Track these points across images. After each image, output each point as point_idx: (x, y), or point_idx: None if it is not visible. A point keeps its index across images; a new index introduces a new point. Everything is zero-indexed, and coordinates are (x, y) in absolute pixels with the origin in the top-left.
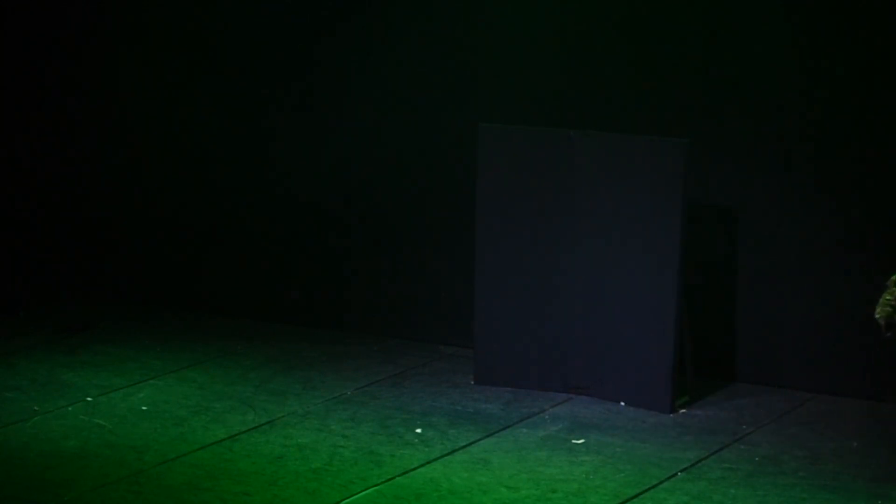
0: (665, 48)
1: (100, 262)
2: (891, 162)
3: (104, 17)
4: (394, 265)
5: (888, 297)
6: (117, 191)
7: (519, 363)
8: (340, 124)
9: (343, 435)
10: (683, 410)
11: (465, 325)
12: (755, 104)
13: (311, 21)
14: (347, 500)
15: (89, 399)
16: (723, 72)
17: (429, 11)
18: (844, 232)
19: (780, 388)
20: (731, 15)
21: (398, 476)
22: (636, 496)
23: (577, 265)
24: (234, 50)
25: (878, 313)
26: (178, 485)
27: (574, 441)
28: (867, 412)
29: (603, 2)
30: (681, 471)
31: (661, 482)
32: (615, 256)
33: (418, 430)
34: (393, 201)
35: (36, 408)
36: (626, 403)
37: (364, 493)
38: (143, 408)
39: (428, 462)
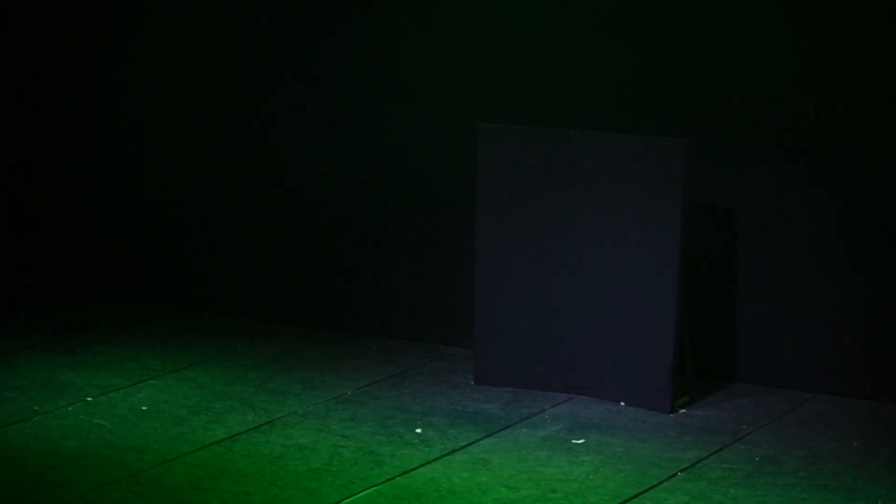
0: (665, 48)
1: (100, 262)
2: (891, 162)
3: (104, 17)
4: (394, 265)
5: None
6: (117, 191)
7: (519, 363)
8: (340, 124)
9: (343, 435)
10: (683, 410)
11: (466, 325)
12: (755, 104)
13: (311, 21)
14: (347, 500)
15: (89, 399)
16: (723, 72)
17: (429, 11)
18: (844, 232)
19: (780, 388)
20: (731, 15)
21: (398, 476)
22: (636, 496)
23: (577, 265)
24: (233, 50)
25: None
26: (178, 485)
27: (574, 441)
28: (867, 412)
29: (603, 2)
30: (681, 471)
31: (661, 482)
32: (615, 256)
33: (418, 430)
34: (393, 201)
35: (36, 408)
36: (626, 403)
37: (364, 493)
38: (143, 408)
39: (428, 462)
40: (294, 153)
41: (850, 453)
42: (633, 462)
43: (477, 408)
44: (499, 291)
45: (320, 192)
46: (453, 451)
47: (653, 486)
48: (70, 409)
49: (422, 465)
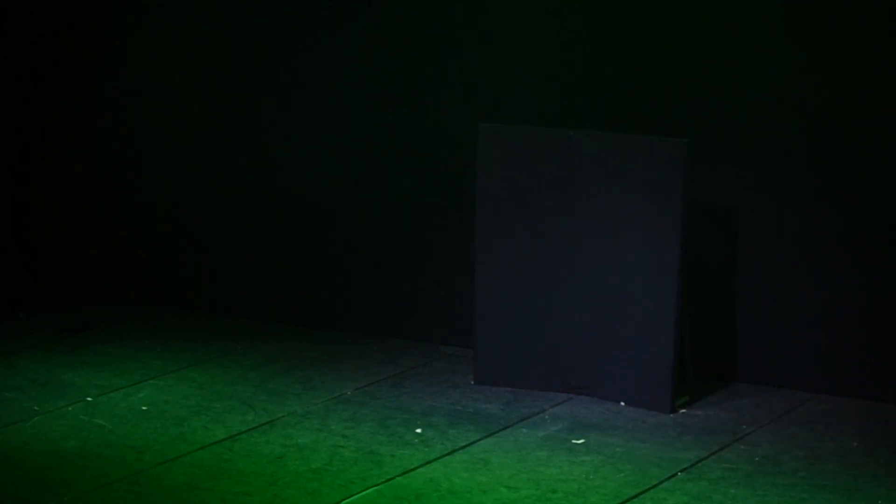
0: (665, 48)
1: (100, 262)
2: (891, 161)
3: (104, 17)
4: (394, 265)
5: None
6: (117, 191)
7: (519, 363)
8: (340, 124)
9: (343, 435)
10: (683, 410)
11: (466, 325)
12: (755, 104)
13: (312, 21)
14: (347, 500)
15: (89, 399)
16: (723, 72)
17: (429, 11)
18: (844, 231)
19: (780, 388)
20: (731, 15)
21: (398, 476)
22: (636, 496)
23: (577, 265)
24: (232, 50)
25: None
26: (178, 485)
27: (574, 441)
28: (867, 412)
29: (603, 2)
30: (681, 471)
31: (661, 482)
32: (615, 256)
33: (418, 430)
34: (393, 201)
35: (36, 408)
36: (626, 403)
37: (364, 493)
38: (143, 408)
39: (428, 462)
40: (294, 153)
41: (850, 453)
42: (633, 462)
43: (477, 408)
44: (499, 291)
45: (320, 192)
46: (453, 451)
47: (653, 486)
48: (70, 409)
49: (422, 465)
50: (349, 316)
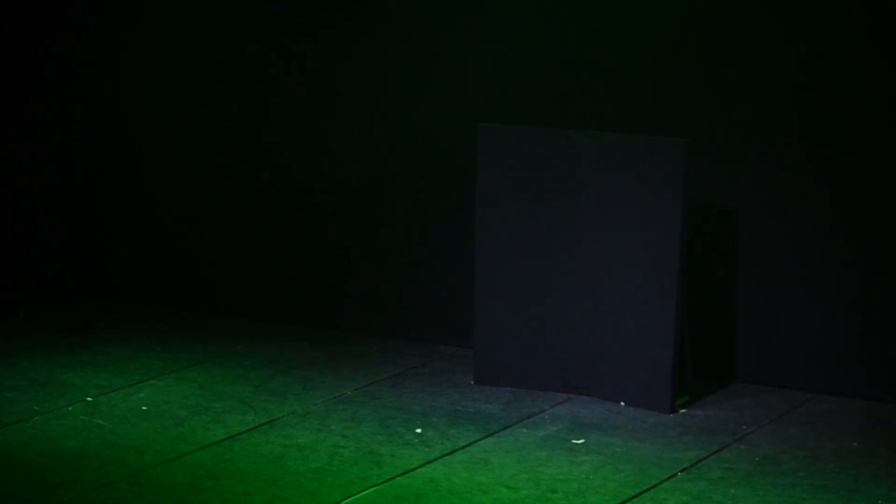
0: (665, 48)
1: (100, 262)
2: (891, 161)
3: (104, 18)
4: (393, 265)
5: None
6: (117, 191)
7: (519, 363)
8: (340, 124)
9: (343, 435)
10: (683, 410)
11: (466, 325)
12: (755, 104)
13: (311, 20)
14: (347, 500)
15: (89, 399)
16: (723, 72)
17: (429, 11)
18: (844, 232)
19: (780, 388)
20: (730, 15)
21: (398, 476)
22: (636, 496)
23: (577, 265)
24: (233, 49)
25: None
26: (178, 485)
27: (574, 441)
28: (867, 412)
29: (603, 2)
30: (681, 471)
31: (661, 482)
32: (615, 256)
33: (418, 430)
34: (392, 201)
35: (36, 408)
36: (626, 403)
37: (364, 493)
38: (143, 408)
39: (428, 462)
40: (294, 153)
41: (850, 453)
42: (633, 462)
43: (477, 408)
44: (499, 291)
45: (320, 191)
46: (453, 451)
47: (653, 486)
48: (70, 409)
49: (422, 465)
50: (349, 316)
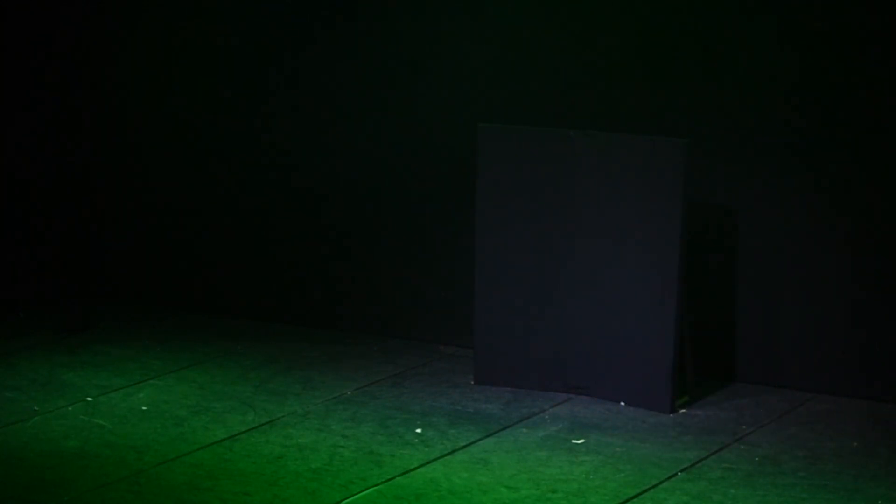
0: (665, 48)
1: (100, 261)
2: (891, 162)
3: (104, 17)
4: (394, 265)
5: None
6: (117, 191)
7: (519, 363)
8: (340, 124)
9: (343, 435)
10: (683, 410)
11: (465, 325)
12: (755, 104)
13: (311, 20)
14: (347, 500)
15: (89, 399)
16: (723, 72)
17: (429, 11)
18: (844, 232)
19: (780, 388)
20: (731, 15)
21: (398, 476)
22: (636, 496)
23: (577, 265)
24: (232, 49)
25: None
26: (178, 485)
27: (574, 441)
28: (867, 412)
29: (602, 2)
30: (681, 471)
31: (661, 482)
32: (615, 256)
33: (418, 430)
34: (392, 201)
35: (36, 408)
36: (626, 403)
37: (364, 493)
38: (143, 408)
39: (428, 462)
40: (294, 153)
41: (850, 453)
42: (633, 462)
43: (477, 408)
44: (499, 291)
45: (320, 191)
46: (453, 451)
47: (653, 486)
48: (70, 409)
49: (422, 465)
50: (349, 316)
